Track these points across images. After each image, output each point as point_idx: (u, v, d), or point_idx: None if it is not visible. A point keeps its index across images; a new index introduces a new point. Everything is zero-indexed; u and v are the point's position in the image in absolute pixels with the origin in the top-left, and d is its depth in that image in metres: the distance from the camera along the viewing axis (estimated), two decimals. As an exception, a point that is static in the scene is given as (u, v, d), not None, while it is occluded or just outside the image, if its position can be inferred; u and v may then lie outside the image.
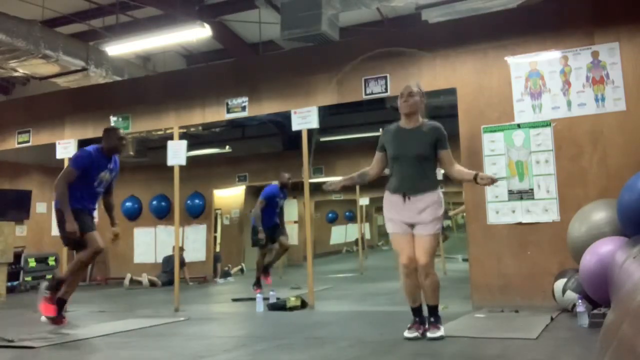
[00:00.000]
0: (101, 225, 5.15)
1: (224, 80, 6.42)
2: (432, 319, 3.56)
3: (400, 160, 3.57)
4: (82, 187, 4.57)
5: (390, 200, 3.60)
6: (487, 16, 5.58)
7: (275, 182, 7.67)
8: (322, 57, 5.93)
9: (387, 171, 3.74)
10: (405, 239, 3.54)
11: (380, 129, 3.75)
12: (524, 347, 3.13)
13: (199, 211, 10.66)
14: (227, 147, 11.42)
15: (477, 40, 5.19)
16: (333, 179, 3.82)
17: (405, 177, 3.54)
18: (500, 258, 4.91)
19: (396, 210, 3.56)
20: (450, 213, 12.08)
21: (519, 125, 4.98)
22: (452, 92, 5.31)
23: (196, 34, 6.78)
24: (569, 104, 4.84)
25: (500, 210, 4.96)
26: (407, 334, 3.53)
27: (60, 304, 4.67)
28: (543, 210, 4.82)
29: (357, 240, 14.40)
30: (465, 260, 8.89)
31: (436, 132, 3.57)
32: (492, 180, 3.51)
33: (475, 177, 3.50)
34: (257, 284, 7.26)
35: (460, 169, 3.64)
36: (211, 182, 10.85)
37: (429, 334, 3.49)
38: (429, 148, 3.54)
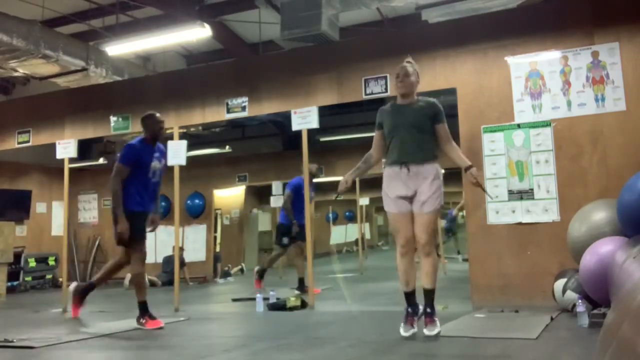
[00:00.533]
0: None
1: (224, 80, 6.42)
2: (428, 310, 3.51)
3: (398, 130, 3.56)
4: (138, 182, 4.57)
5: (390, 174, 3.58)
6: (487, 16, 5.58)
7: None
8: (322, 57, 5.93)
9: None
10: (403, 218, 3.52)
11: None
12: (524, 347, 3.13)
13: (199, 211, 10.66)
14: (227, 147, 11.42)
15: (477, 40, 5.19)
16: (341, 182, 3.69)
17: (403, 146, 3.53)
18: (500, 258, 4.91)
19: (395, 184, 3.53)
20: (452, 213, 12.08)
21: (519, 125, 4.97)
22: (452, 92, 5.30)
23: (196, 34, 6.78)
24: (569, 104, 4.84)
25: (500, 210, 4.95)
26: (403, 332, 3.51)
27: (90, 287, 5.02)
28: (543, 210, 4.81)
29: (357, 240, 14.39)
30: (465, 260, 8.89)
31: (432, 107, 3.61)
32: (478, 184, 3.56)
33: (467, 169, 3.55)
34: (261, 276, 7.22)
35: (458, 152, 3.67)
36: (211, 182, 10.85)
37: (426, 331, 3.46)
38: (426, 120, 3.56)
